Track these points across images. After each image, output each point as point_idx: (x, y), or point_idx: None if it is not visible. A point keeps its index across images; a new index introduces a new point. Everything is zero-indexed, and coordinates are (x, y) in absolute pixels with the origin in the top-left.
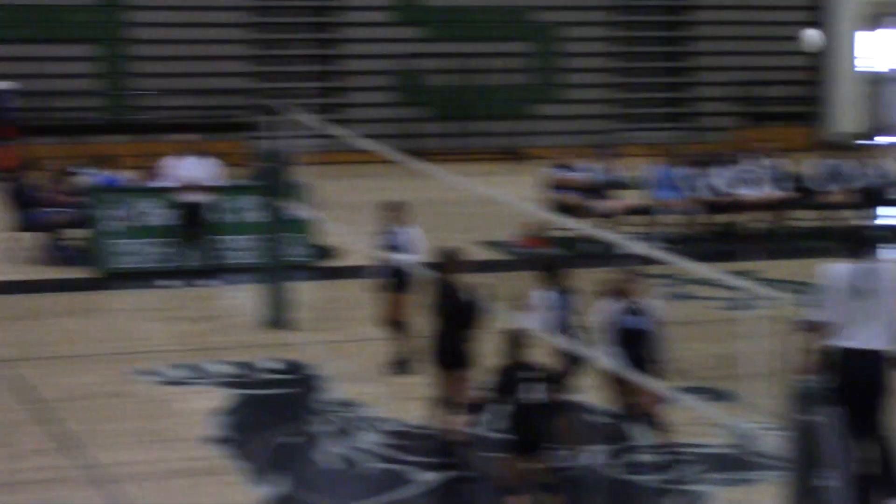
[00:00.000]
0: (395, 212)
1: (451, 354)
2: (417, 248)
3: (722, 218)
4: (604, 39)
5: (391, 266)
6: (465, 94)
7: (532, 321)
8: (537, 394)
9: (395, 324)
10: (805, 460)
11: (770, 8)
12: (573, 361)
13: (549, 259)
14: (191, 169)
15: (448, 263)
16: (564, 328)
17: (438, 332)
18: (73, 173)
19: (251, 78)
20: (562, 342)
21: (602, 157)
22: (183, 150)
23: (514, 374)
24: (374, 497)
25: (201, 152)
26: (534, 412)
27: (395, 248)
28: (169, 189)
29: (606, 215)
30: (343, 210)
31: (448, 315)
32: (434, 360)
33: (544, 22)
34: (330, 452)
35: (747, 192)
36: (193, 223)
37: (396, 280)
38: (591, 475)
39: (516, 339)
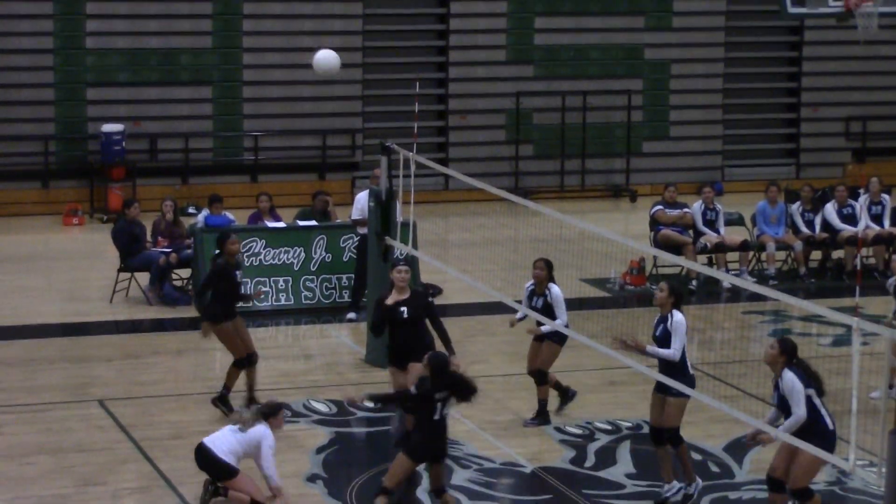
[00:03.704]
0: (541, 270)
1: None
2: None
3: (832, 253)
4: (716, 76)
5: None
6: (572, 131)
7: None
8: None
9: (533, 372)
10: None
11: (884, 42)
12: None
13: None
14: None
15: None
16: None
17: None
18: (183, 213)
19: (363, 117)
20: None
21: (705, 194)
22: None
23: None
24: None
25: None
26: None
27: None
28: (300, 228)
29: (707, 251)
30: (448, 248)
31: None
32: None
33: (656, 59)
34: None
35: (857, 228)
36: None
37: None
38: None
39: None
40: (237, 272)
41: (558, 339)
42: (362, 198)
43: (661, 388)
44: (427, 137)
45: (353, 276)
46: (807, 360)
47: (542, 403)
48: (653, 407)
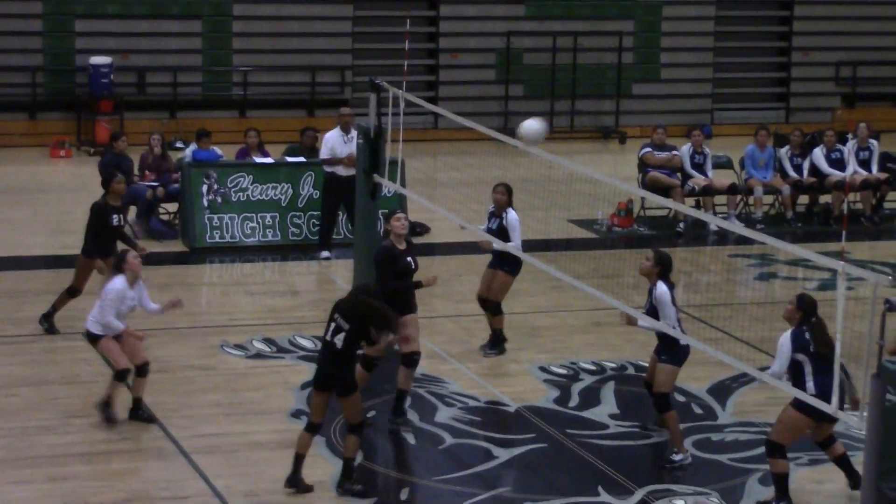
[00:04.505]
0: (501, 194)
1: None
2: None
3: (820, 198)
4: (707, 19)
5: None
6: (562, 72)
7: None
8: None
9: (485, 301)
10: (886, 440)
11: None
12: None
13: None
14: (339, 142)
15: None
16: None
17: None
18: (171, 147)
19: (353, 54)
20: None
21: (694, 137)
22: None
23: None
24: (453, 472)
25: (346, 126)
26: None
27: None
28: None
29: (695, 194)
30: (436, 187)
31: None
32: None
33: (648, 1)
34: (410, 426)
35: (845, 173)
36: (340, 197)
37: (495, 259)
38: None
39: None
40: (116, 214)
41: (510, 268)
42: (330, 137)
43: (658, 350)
44: (417, 76)
45: (340, 213)
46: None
47: (497, 332)
48: (650, 366)
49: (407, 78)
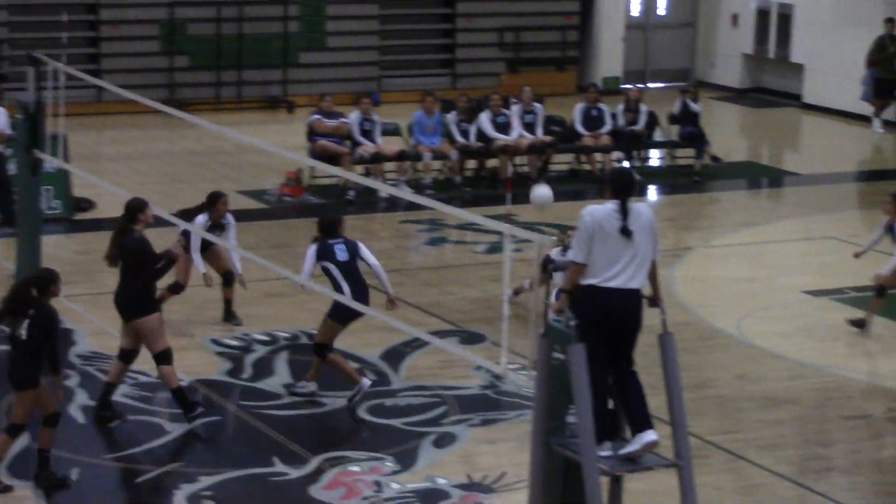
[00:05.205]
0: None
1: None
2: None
3: (487, 162)
4: None
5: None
6: (228, 42)
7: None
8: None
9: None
10: (554, 398)
11: None
12: None
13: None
14: None
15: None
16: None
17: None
18: None
19: (9, 27)
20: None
21: (362, 104)
22: None
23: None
24: (125, 449)
25: None
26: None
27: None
28: None
29: (365, 162)
30: (99, 162)
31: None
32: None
33: None
34: (80, 405)
35: (511, 137)
36: None
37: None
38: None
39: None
40: None
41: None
42: None
43: None
44: (78, 48)
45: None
46: None
47: (229, 303)
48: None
49: (67, 51)
